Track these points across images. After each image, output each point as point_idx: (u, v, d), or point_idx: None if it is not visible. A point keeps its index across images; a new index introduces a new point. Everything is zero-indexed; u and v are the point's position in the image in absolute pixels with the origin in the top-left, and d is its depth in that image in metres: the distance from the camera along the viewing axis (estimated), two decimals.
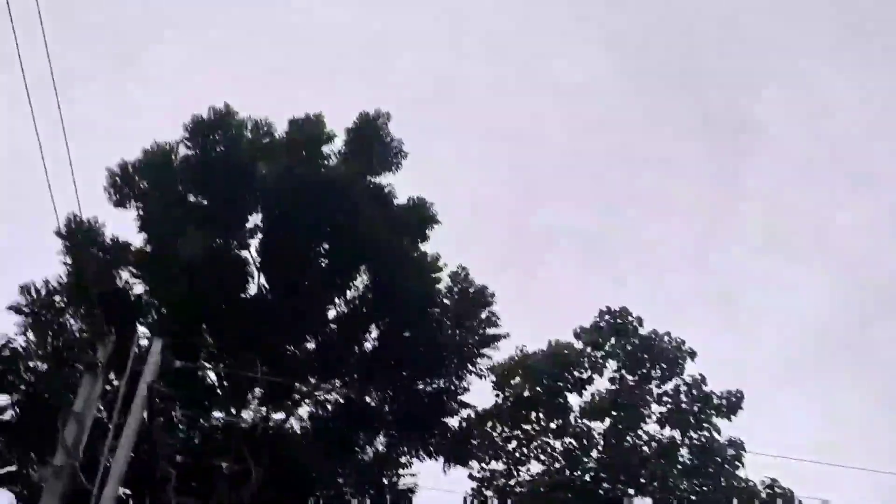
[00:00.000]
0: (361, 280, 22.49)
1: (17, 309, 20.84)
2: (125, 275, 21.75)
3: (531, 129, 69.19)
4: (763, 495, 25.19)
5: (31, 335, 20.82)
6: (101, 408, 18.34)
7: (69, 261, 20.76)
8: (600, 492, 26.82)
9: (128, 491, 19.47)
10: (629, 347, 27.22)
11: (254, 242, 22.44)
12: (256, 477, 19.66)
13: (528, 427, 27.98)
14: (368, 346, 22.92)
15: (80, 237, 20.39)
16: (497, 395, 27.61)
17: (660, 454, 26.37)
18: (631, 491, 26.70)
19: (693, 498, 26.05)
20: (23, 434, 19.84)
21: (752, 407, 27.18)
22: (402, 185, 23.11)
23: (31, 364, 20.62)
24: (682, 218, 68.50)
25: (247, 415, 22.65)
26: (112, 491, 12.73)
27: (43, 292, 21.04)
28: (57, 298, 21.08)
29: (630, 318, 27.64)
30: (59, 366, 20.39)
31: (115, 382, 16.71)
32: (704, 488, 25.88)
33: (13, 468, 20.34)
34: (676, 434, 26.69)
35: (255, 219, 22.30)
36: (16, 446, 20.28)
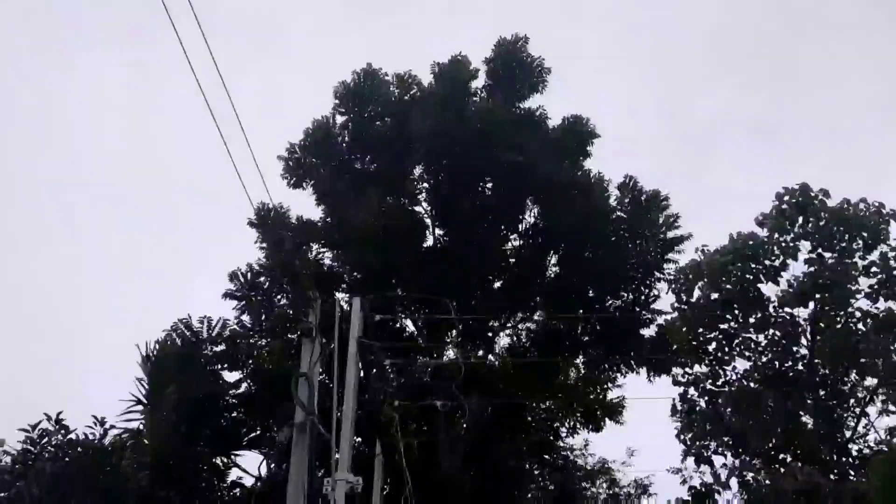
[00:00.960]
0: (531, 210, 22.67)
1: (230, 295, 23.04)
2: (315, 248, 23.34)
3: (675, 12, 65.05)
4: None
5: (246, 316, 23.02)
6: (321, 369, 20.04)
7: (265, 244, 22.60)
8: (817, 379, 25.61)
9: (359, 438, 21.20)
10: (821, 224, 25.24)
11: (422, 195, 23.26)
12: (468, 411, 20.70)
13: (725, 326, 27.01)
14: (551, 273, 23.15)
15: (271, 222, 22.11)
16: (686, 302, 26.77)
17: (878, 329, 24.60)
18: (853, 373, 25.32)
19: None
20: (257, 404, 22.12)
21: None
22: (552, 103, 22.95)
23: (251, 341, 22.80)
24: (863, 76, 62.44)
25: (449, 356, 23.83)
26: (348, 438, 13.91)
27: (249, 276, 23.11)
28: (261, 279, 23.06)
29: (813, 193, 25.52)
30: (275, 338, 22.40)
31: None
32: None
33: (256, 433, 22.72)
34: (893, 305, 24.74)
35: (418, 171, 23.06)
36: (254, 415, 22.63)
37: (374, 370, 19.60)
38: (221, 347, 22.03)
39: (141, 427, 20.80)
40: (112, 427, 18.99)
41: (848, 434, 25.22)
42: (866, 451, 24.60)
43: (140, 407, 20.91)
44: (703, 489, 24.77)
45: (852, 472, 23.28)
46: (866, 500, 20.54)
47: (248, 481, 22.06)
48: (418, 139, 21.98)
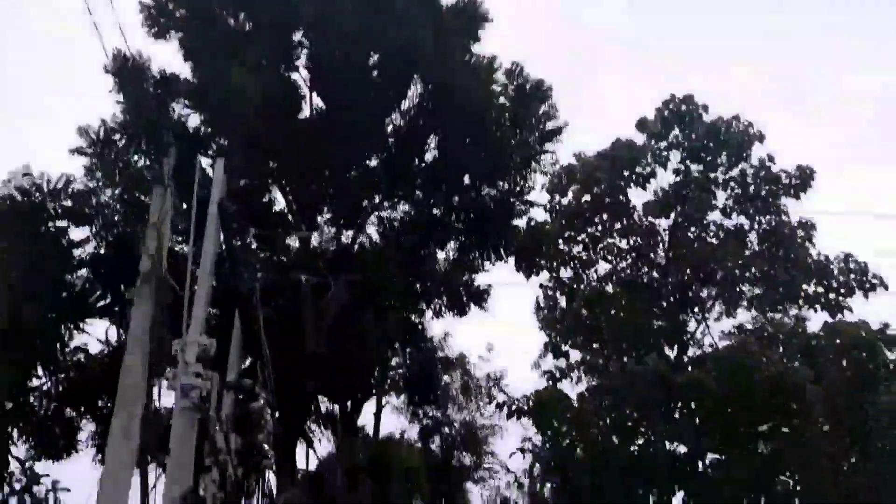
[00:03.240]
0: (415, 89, 21.87)
1: (79, 151, 21.03)
2: (178, 107, 21.61)
3: None
4: (836, 270, 24.94)
5: (98, 174, 21.14)
6: (180, 238, 18.84)
7: (122, 98, 20.62)
8: (669, 287, 26.99)
9: (216, 310, 20.33)
10: (693, 136, 26.05)
11: (301, 62, 21.92)
12: (335, 288, 20.30)
13: (591, 230, 27.76)
14: (429, 157, 22.68)
15: (128, 73, 20.09)
16: (556, 205, 27.16)
17: (727, 242, 26.12)
18: (699, 282, 26.83)
19: (761, 283, 26.07)
20: (108, 266, 20.66)
21: (824, 189, 26.48)
22: None
23: (102, 200, 21.08)
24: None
25: (318, 237, 23.19)
26: (203, 298, 12.89)
27: (101, 132, 21.13)
28: (116, 137, 21.16)
29: (695, 105, 26.18)
30: (129, 198, 20.82)
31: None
32: (773, 272, 25.70)
33: (107, 301, 21.30)
34: (744, 220, 26.22)
35: (298, 37, 21.62)
36: (104, 280, 21.14)
37: (237, 240, 18.64)
38: (67, 203, 20.24)
39: None
40: None
41: (687, 337, 27.04)
42: (699, 352, 26.53)
43: None
44: (557, 372, 26.29)
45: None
46: (703, 386, 22.31)
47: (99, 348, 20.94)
48: (299, 2, 20.44)
